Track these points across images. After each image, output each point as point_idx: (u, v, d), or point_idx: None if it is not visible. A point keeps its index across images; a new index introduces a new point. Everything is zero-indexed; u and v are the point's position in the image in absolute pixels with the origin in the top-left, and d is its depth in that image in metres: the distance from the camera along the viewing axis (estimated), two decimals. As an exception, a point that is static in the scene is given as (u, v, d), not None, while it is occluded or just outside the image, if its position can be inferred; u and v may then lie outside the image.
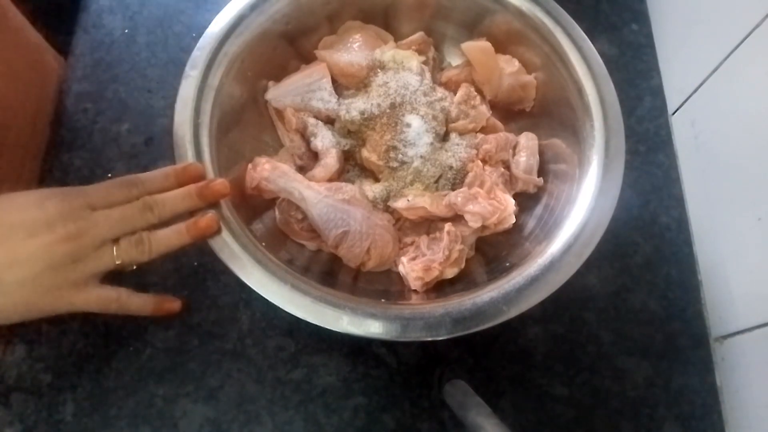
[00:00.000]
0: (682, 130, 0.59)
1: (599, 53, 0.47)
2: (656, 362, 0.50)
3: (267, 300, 0.38)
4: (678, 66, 0.60)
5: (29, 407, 0.44)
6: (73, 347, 0.46)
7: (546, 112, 0.51)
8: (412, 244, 0.46)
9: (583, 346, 0.50)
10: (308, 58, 0.51)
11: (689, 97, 0.57)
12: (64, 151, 0.53)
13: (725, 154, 0.53)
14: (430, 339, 0.38)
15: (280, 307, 0.38)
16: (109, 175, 0.52)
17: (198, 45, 0.45)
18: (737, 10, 0.51)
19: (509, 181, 0.49)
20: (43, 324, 0.46)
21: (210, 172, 0.41)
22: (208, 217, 0.39)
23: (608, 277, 0.52)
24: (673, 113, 0.60)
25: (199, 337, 0.47)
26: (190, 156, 0.41)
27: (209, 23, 0.46)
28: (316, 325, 0.38)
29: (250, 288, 0.38)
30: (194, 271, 0.49)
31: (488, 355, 0.48)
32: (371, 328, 0.38)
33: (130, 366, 0.46)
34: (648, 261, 0.53)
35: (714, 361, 0.50)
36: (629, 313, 0.51)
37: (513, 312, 0.39)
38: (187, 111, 0.42)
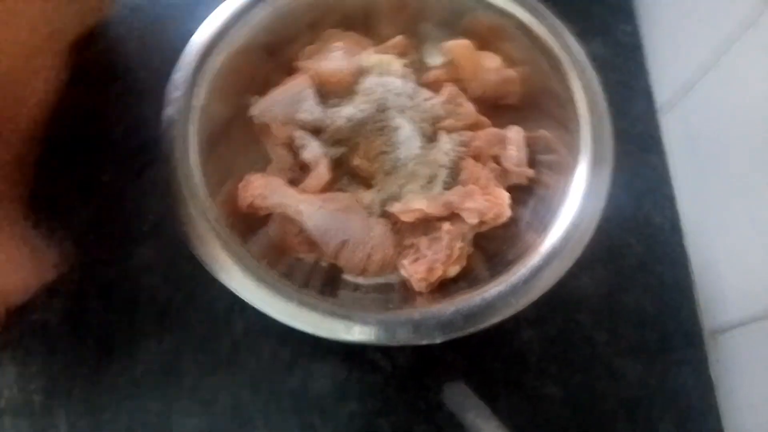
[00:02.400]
0: (675, 130, 0.59)
1: (591, 55, 0.47)
2: (651, 362, 0.50)
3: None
4: (670, 67, 0.60)
5: (22, 426, 0.44)
6: (64, 363, 0.46)
7: (531, 104, 0.51)
8: (411, 246, 0.46)
9: (577, 348, 0.50)
10: (290, 70, 0.51)
11: (682, 97, 0.58)
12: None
13: (718, 155, 0.53)
14: (445, 339, 0.38)
15: (289, 324, 0.38)
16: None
17: (178, 65, 0.44)
18: (730, 10, 0.51)
19: (501, 175, 0.49)
20: (34, 342, 0.46)
21: (201, 193, 0.41)
22: None
23: (601, 278, 0.52)
24: (666, 114, 0.60)
25: (192, 345, 0.47)
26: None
27: (202, 27, 0.46)
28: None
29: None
30: (187, 277, 0.49)
31: (482, 358, 0.48)
32: (383, 334, 0.38)
33: (123, 379, 0.45)
34: (641, 262, 0.53)
35: (708, 360, 0.50)
36: (623, 313, 0.51)
37: (521, 304, 0.39)
38: (174, 133, 0.42)
